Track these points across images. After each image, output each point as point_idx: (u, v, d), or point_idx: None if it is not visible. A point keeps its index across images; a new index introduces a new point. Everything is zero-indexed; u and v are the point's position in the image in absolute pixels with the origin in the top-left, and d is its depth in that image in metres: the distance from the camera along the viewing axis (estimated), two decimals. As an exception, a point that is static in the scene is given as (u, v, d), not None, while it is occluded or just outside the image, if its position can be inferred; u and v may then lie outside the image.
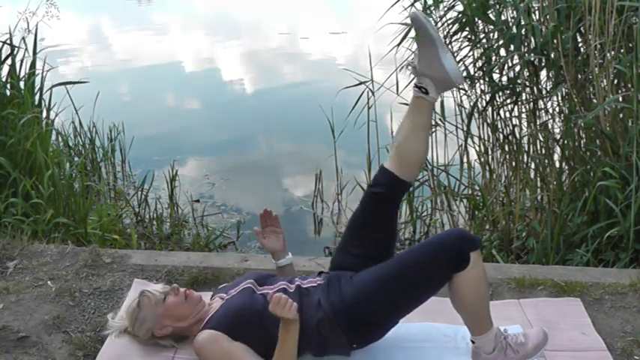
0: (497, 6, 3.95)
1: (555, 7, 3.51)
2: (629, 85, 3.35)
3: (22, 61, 4.23)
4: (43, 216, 3.57)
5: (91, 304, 2.56)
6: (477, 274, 2.01)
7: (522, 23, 3.70)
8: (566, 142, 3.69)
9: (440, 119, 4.37)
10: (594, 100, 3.51)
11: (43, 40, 4.45)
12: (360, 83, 4.48)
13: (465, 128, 4.29)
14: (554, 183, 3.75)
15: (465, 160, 4.44)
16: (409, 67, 2.19)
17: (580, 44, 3.64)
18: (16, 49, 4.19)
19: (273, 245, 2.39)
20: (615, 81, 3.44)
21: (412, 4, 4.32)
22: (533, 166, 4.05)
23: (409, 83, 4.37)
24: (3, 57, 4.13)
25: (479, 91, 4.25)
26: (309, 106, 5.62)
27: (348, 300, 2.06)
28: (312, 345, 2.08)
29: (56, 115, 4.62)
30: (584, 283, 2.62)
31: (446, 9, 4.25)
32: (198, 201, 4.68)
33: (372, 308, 2.05)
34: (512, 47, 3.82)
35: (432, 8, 4.25)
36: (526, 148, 4.07)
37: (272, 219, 2.39)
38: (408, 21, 4.33)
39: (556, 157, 3.91)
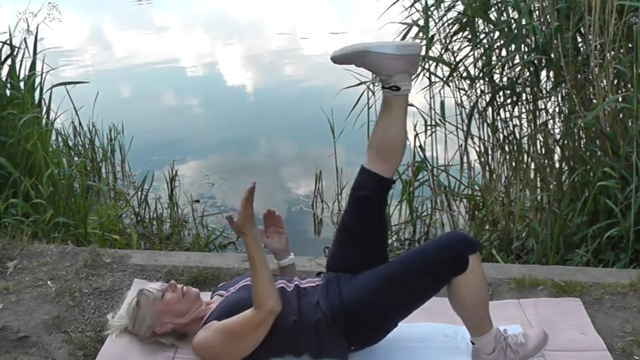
0: (498, 5, 3.95)
1: (555, 7, 3.50)
2: (629, 86, 3.35)
3: (22, 61, 4.23)
4: (43, 216, 3.57)
5: (91, 304, 2.56)
6: (476, 278, 2.00)
7: (523, 23, 3.70)
8: (566, 142, 3.69)
9: (440, 119, 4.37)
10: (594, 100, 3.51)
11: (42, 39, 4.45)
12: (361, 83, 4.48)
13: (465, 128, 4.29)
14: (554, 183, 3.75)
15: (465, 160, 4.44)
16: (376, 84, 2.17)
17: (580, 44, 3.64)
18: (17, 49, 4.20)
19: (275, 245, 2.39)
20: (615, 81, 3.44)
21: (412, 5, 4.33)
22: (533, 166, 4.05)
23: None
24: (3, 57, 4.13)
25: (479, 92, 4.26)
26: (309, 106, 5.63)
27: (346, 301, 2.05)
28: (311, 345, 2.08)
29: (56, 115, 4.62)
30: (584, 283, 2.62)
31: (446, 9, 4.25)
32: (198, 201, 4.68)
33: (370, 310, 2.05)
34: (512, 47, 3.82)
35: (432, 8, 4.25)
36: (526, 148, 4.07)
37: (275, 219, 2.40)
38: (409, 20, 4.34)
39: (556, 157, 3.91)
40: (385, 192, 2.18)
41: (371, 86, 2.19)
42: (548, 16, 3.61)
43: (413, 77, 2.12)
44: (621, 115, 3.40)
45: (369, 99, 4.50)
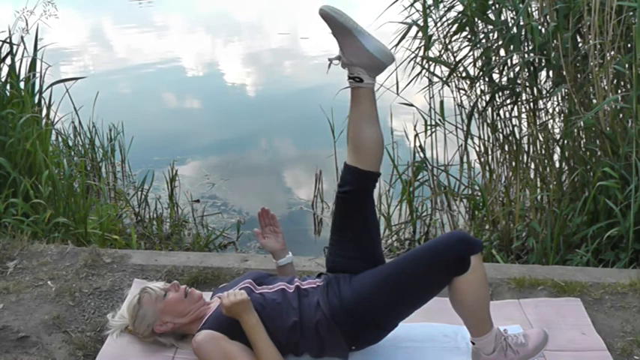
0: (497, 5, 3.95)
1: (554, 7, 3.51)
2: (629, 86, 3.36)
3: (21, 60, 4.23)
4: (43, 216, 3.57)
5: (91, 304, 2.56)
6: (477, 278, 2.00)
7: (522, 23, 3.70)
8: (566, 142, 3.69)
9: (440, 119, 4.37)
10: (594, 100, 3.51)
11: (42, 39, 4.45)
12: (360, 83, 4.47)
13: (465, 128, 4.29)
14: (554, 183, 3.75)
15: (465, 160, 4.44)
16: (334, 62, 2.15)
17: (580, 44, 3.64)
18: (16, 48, 4.19)
19: (273, 245, 2.39)
20: (615, 81, 3.44)
21: (412, 4, 4.32)
22: (533, 166, 4.05)
23: (409, 83, 4.38)
24: (2, 56, 4.13)
25: (479, 91, 4.25)
26: (309, 106, 5.62)
27: (347, 302, 2.05)
28: (312, 345, 2.09)
29: (55, 115, 4.62)
30: (584, 283, 2.62)
31: (446, 9, 4.25)
32: (198, 201, 4.68)
33: (371, 311, 2.05)
34: (512, 47, 3.82)
35: (432, 8, 4.25)
36: (526, 148, 4.08)
37: (270, 218, 2.40)
38: (408, 20, 4.34)
39: (556, 157, 3.91)
40: (368, 185, 2.14)
41: (335, 62, 2.17)
42: (547, 16, 3.61)
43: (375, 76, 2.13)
44: (621, 115, 3.40)
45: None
